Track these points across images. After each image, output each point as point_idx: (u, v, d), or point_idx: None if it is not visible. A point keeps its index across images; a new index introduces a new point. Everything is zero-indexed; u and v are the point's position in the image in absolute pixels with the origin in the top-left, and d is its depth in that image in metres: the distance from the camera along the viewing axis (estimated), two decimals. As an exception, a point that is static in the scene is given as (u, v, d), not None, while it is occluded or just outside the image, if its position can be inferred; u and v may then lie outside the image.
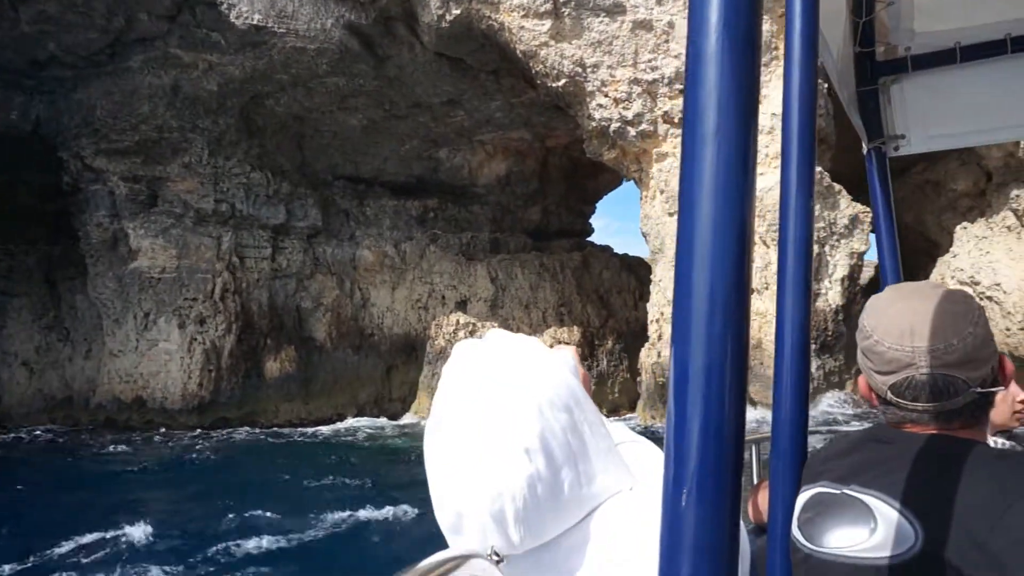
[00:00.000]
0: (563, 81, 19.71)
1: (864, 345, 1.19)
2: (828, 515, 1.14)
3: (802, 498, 1.23)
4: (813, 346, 18.92)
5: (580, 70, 19.52)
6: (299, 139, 26.13)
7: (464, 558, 0.82)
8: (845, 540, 1.10)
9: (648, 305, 20.29)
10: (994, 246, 18.11)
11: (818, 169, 18.74)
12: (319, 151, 26.67)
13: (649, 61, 19.38)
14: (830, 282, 18.89)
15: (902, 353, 1.12)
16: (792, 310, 1.33)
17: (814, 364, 18.53)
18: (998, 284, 17.79)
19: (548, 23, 19.19)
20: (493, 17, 19.57)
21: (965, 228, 19.03)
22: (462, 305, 26.30)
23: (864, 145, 2.59)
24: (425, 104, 24.63)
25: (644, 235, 20.56)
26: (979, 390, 1.11)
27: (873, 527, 1.06)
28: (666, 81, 19.43)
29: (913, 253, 22.17)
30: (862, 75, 2.55)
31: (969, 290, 15.83)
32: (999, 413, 2.01)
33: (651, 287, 20.22)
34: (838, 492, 1.15)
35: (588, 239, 32.53)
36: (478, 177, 28.78)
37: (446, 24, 20.06)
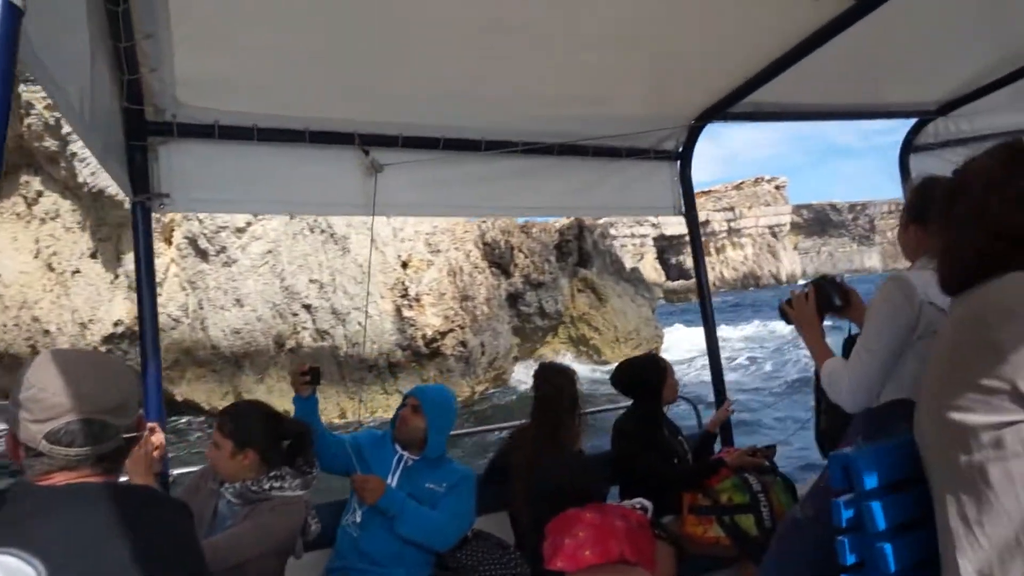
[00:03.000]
0: None
1: (24, 396, 1.19)
2: None
3: None
4: None
5: None
6: None
7: None
8: None
9: None
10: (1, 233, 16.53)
11: None
12: None
13: None
14: None
15: (63, 398, 1.17)
16: None
17: None
18: (-2, 276, 16.24)
19: None
20: None
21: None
22: None
23: (128, 199, 2.66)
24: None
25: None
26: (125, 436, 1.24)
27: None
28: None
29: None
30: (132, 130, 2.56)
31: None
32: (135, 462, 1.97)
33: None
34: None
35: None
36: None
37: None
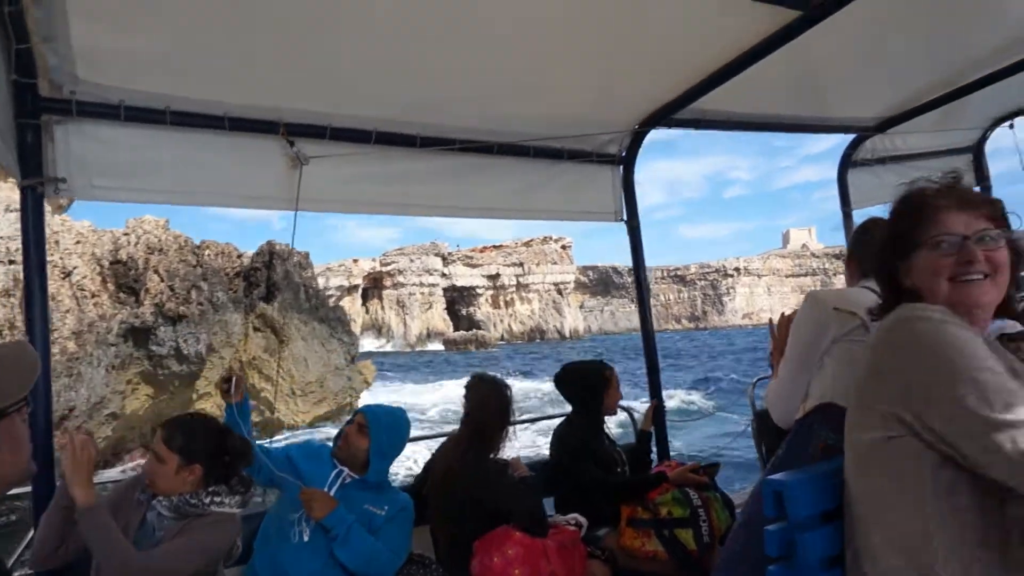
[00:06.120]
0: None
1: None
2: None
3: None
4: None
5: None
6: None
7: None
8: None
9: None
10: None
11: None
12: None
13: None
14: None
15: None
16: None
17: None
18: None
19: None
20: None
21: None
22: None
23: (17, 182, 2.40)
24: None
25: None
26: None
27: None
28: None
29: None
30: (22, 106, 2.33)
31: None
32: (76, 469, 1.99)
33: None
34: None
35: None
36: None
37: None
